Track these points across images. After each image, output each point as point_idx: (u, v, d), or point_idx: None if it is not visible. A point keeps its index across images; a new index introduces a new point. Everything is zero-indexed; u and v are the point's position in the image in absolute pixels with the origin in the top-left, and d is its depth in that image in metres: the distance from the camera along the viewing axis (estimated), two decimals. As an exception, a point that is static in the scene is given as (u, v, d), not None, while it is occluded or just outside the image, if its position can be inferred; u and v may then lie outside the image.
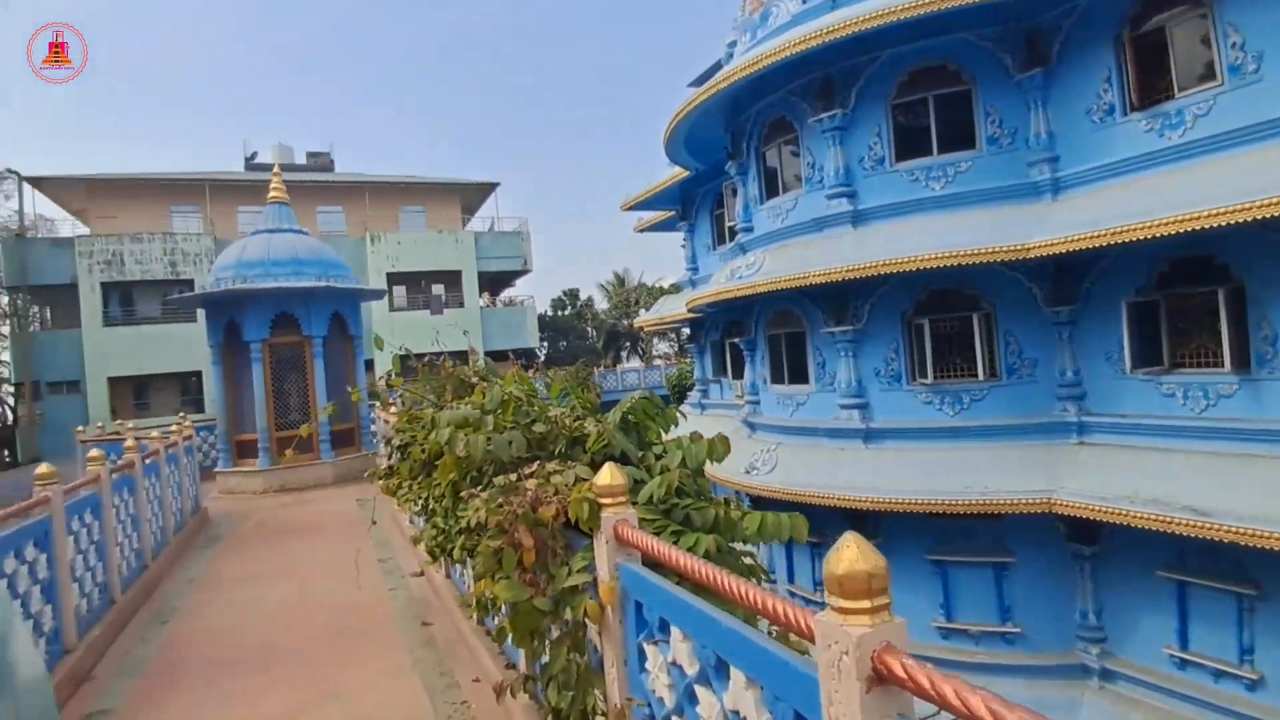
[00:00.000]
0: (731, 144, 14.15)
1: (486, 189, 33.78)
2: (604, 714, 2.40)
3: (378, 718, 3.87)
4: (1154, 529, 8.15)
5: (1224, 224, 7.42)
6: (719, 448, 2.90)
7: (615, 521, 2.39)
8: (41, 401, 26.55)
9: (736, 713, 1.75)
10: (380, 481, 5.26)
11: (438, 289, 30.58)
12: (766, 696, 1.61)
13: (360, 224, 30.37)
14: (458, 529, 3.36)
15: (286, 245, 11.98)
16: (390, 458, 5.05)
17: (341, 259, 12.97)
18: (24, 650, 1.28)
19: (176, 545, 7.89)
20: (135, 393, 27.75)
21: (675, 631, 2.01)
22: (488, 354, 29.28)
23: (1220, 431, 8.46)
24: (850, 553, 1.29)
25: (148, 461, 7.12)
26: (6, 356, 29.43)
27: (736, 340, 15.49)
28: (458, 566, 5.08)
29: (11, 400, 28.93)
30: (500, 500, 2.80)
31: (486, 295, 34.16)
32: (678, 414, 3.38)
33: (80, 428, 25.88)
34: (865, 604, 1.27)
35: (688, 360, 26.46)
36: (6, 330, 28.93)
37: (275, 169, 13.01)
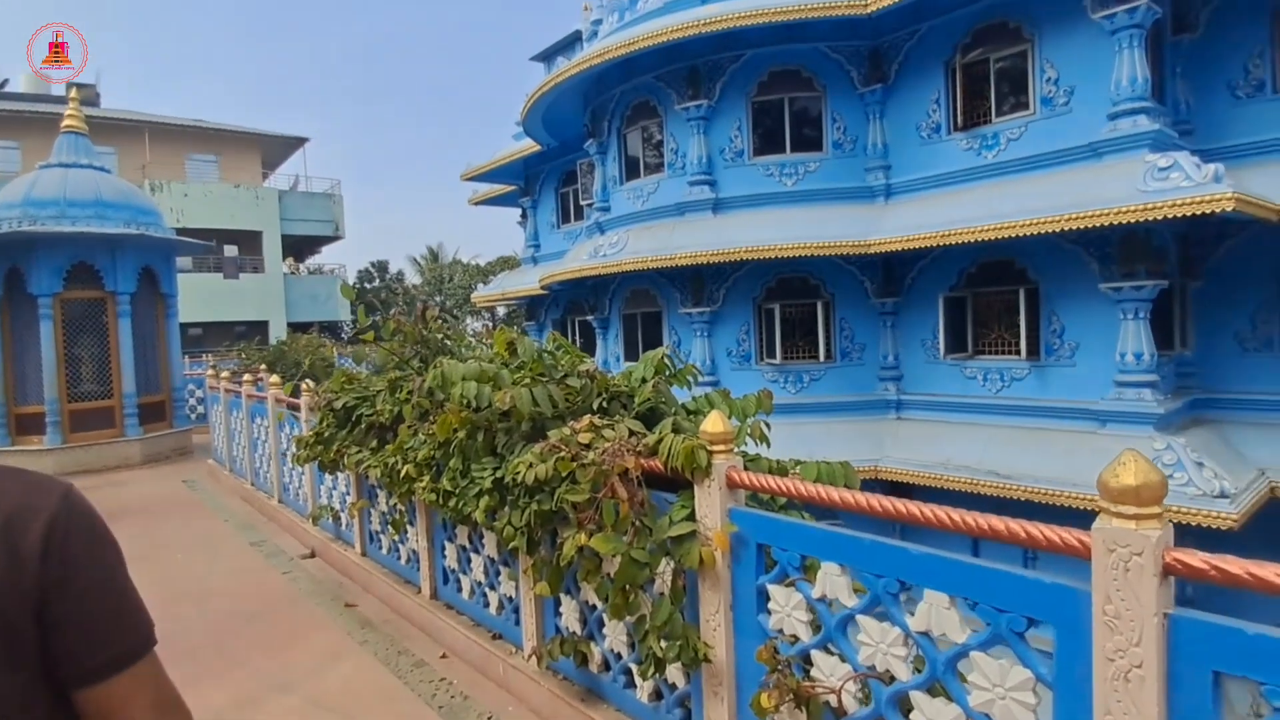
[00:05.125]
0: (592, 122, 14.14)
1: (293, 144, 30.41)
2: (708, 659, 2.45)
3: (348, 702, 3.52)
4: (966, 491, 9.55)
5: (1028, 234, 8.86)
6: (767, 400, 3.03)
7: (729, 468, 2.44)
8: None
9: (927, 633, 1.90)
10: (303, 451, 4.70)
11: (231, 250, 27.24)
12: (986, 611, 1.78)
13: (137, 169, 26.09)
14: (477, 490, 3.16)
15: (88, 183, 9.89)
16: (323, 424, 4.53)
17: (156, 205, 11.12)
18: None
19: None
20: None
21: (830, 566, 2.11)
22: (290, 325, 26.64)
23: (1014, 409, 10.09)
24: (1141, 465, 1.49)
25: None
26: None
27: (587, 318, 15.59)
28: (394, 540, 4.71)
29: None
30: (569, 454, 2.71)
31: (291, 261, 31.01)
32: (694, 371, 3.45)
33: None
34: (1156, 510, 1.48)
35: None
36: None
37: (73, 93, 10.69)
